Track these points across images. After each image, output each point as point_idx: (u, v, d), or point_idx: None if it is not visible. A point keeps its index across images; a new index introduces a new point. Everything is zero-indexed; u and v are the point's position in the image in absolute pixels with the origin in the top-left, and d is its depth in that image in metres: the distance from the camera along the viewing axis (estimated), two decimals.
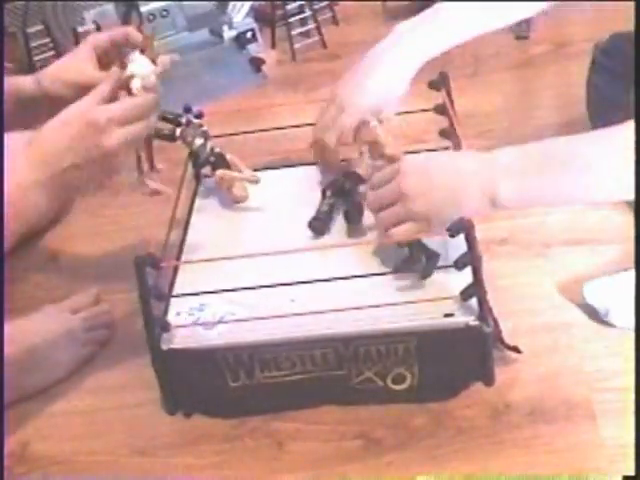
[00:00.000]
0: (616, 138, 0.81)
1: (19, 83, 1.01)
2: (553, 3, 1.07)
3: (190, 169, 1.10)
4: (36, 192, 0.82)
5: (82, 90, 0.93)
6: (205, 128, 1.06)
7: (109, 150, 0.83)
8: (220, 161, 1.06)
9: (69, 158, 0.82)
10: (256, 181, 1.04)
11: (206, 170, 1.09)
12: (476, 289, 0.82)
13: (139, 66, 0.89)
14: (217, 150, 1.06)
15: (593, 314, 0.93)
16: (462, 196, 0.84)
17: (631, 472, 0.71)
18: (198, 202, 1.08)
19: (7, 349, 0.87)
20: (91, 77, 0.98)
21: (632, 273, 0.93)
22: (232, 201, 1.06)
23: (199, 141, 1.05)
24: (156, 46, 0.93)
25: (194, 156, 1.08)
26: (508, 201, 0.82)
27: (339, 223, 0.98)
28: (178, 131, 1.03)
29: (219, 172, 1.05)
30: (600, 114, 1.18)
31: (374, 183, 0.91)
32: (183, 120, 1.04)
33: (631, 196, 0.83)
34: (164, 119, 1.04)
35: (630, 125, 0.80)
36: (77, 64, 1.00)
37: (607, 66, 1.16)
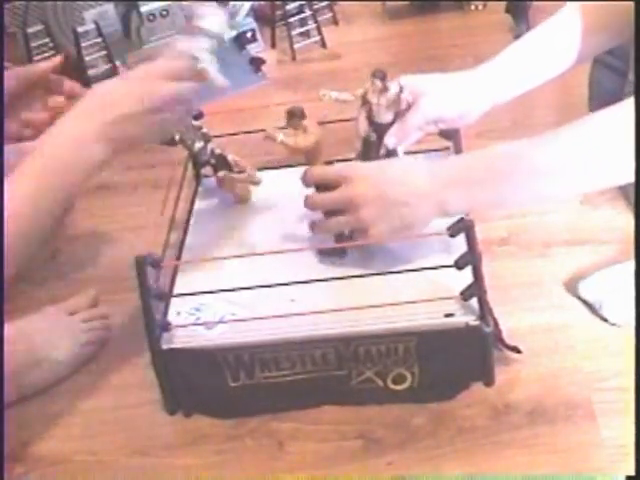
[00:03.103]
0: (560, 139, 0.83)
1: None
2: None
3: (190, 169, 1.10)
4: (95, 144, 0.81)
5: None
6: (205, 130, 1.05)
7: (163, 97, 0.84)
8: (221, 162, 1.06)
9: (124, 106, 0.82)
10: (257, 182, 1.05)
11: (206, 170, 1.09)
12: (476, 289, 0.82)
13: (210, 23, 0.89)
14: (218, 152, 1.06)
15: (589, 309, 0.94)
16: (413, 214, 0.85)
17: (631, 472, 0.71)
18: (198, 202, 1.08)
19: (7, 349, 0.87)
20: None
21: (626, 266, 0.94)
22: (235, 201, 1.06)
23: (199, 144, 1.04)
24: None
25: (194, 157, 1.08)
26: (457, 211, 0.84)
27: None
28: (177, 136, 1.03)
29: (220, 173, 1.05)
30: (601, 107, 1.18)
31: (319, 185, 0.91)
32: None
33: (580, 192, 0.90)
34: None
35: (575, 125, 0.83)
36: None
37: (609, 62, 1.16)
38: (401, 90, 0.96)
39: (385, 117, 0.98)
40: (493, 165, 0.84)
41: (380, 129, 0.99)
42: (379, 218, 0.85)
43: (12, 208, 0.77)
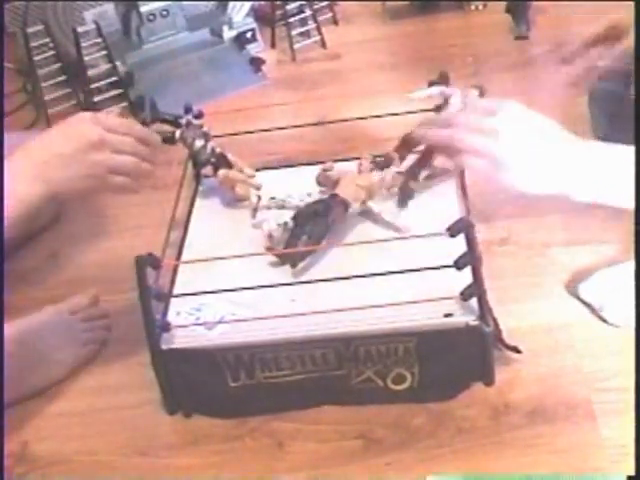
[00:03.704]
0: None
1: None
2: None
3: (190, 169, 1.10)
4: (26, 181, 0.83)
5: None
6: (205, 129, 1.06)
7: (90, 138, 0.86)
8: (221, 161, 1.06)
9: (55, 146, 0.85)
10: (258, 187, 1.05)
11: (207, 170, 1.09)
12: (476, 289, 0.82)
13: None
14: (218, 150, 1.06)
15: (590, 310, 0.94)
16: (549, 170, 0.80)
17: (631, 472, 0.71)
18: (198, 202, 1.08)
19: (7, 349, 0.87)
20: None
21: (626, 266, 0.94)
22: (235, 200, 1.06)
23: (199, 142, 1.05)
24: None
25: (194, 156, 1.08)
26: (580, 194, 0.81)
27: (338, 227, 0.97)
28: (178, 133, 1.03)
29: (222, 172, 1.05)
30: (601, 108, 1.18)
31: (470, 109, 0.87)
32: (183, 122, 1.04)
33: None
34: (164, 121, 1.04)
35: None
36: None
37: None
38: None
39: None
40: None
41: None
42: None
43: None
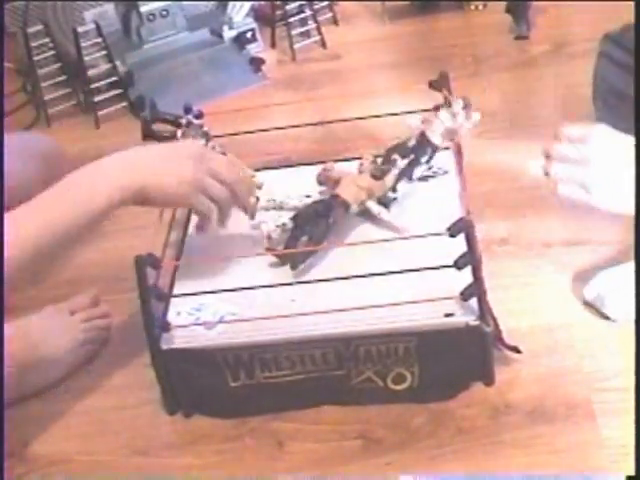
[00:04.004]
0: None
1: None
2: None
3: None
4: (102, 188, 0.84)
5: None
6: (206, 129, 1.06)
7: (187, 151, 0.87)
8: None
9: (139, 154, 0.87)
10: (259, 186, 1.05)
11: None
12: (476, 289, 0.82)
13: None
14: (218, 150, 1.06)
15: (591, 309, 0.94)
16: None
17: (631, 472, 0.71)
18: None
19: (7, 349, 0.87)
20: None
21: (627, 267, 0.93)
22: None
23: (200, 142, 1.05)
24: None
25: None
26: None
27: (338, 227, 0.97)
28: (179, 133, 1.03)
29: None
30: (606, 103, 1.18)
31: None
32: (183, 121, 1.04)
33: None
34: (164, 121, 1.03)
35: None
36: None
37: (615, 57, 1.16)
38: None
39: (436, 138, 0.99)
40: None
41: (425, 144, 0.99)
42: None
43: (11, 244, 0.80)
